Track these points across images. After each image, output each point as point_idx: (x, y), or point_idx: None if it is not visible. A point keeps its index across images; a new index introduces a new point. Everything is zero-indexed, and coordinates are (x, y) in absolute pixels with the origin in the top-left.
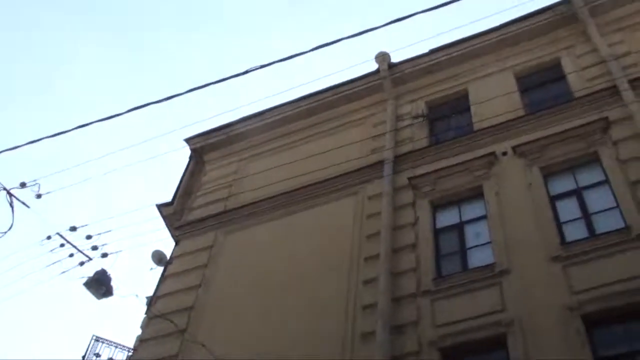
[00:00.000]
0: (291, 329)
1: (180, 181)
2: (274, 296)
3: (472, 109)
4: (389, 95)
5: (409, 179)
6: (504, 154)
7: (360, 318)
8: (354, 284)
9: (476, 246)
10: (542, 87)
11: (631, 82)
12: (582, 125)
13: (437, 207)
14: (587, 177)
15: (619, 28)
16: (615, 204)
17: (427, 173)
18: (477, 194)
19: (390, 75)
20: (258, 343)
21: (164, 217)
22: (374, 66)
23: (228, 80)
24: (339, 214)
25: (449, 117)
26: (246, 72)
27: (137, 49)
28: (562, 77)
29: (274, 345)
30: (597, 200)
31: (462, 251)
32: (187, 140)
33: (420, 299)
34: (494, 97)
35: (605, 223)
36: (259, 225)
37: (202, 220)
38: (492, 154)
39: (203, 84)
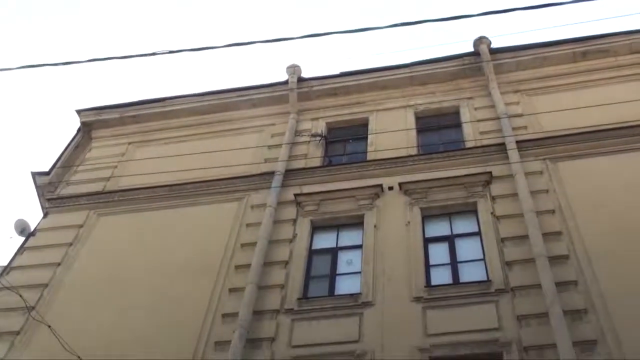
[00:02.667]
0: (145, 325)
1: (63, 152)
2: (135, 288)
3: (369, 138)
4: (293, 108)
5: (295, 195)
6: (390, 188)
7: (218, 325)
8: (219, 290)
9: (346, 274)
10: (438, 131)
11: (519, 142)
12: (466, 175)
13: (316, 228)
14: (461, 225)
15: (518, 90)
16: (482, 257)
17: (314, 193)
18: (357, 223)
19: (298, 88)
20: (107, 334)
21: (37, 187)
22: (284, 77)
23: (136, 60)
24: (219, 217)
25: (345, 141)
26: (153, 54)
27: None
28: (458, 125)
29: (122, 339)
30: (467, 249)
31: (332, 276)
32: (79, 112)
33: (282, 316)
34: (392, 130)
35: (470, 273)
36: (136, 213)
37: (77, 197)
38: (379, 186)
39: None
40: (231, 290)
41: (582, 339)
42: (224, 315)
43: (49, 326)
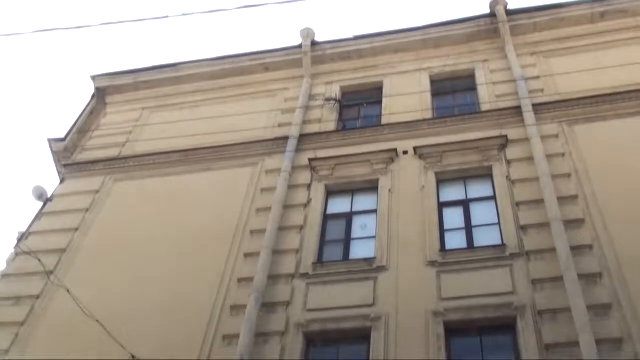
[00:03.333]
0: (161, 289)
1: (78, 118)
2: (151, 254)
3: (384, 102)
4: (306, 72)
5: (310, 160)
6: (405, 152)
7: (234, 290)
8: (234, 255)
9: (361, 238)
10: (453, 94)
11: (535, 106)
12: (482, 139)
13: (331, 192)
14: (476, 189)
15: (534, 52)
16: (497, 221)
17: (328, 157)
18: (372, 187)
19: (312, 52)
20: (124, 298)
21: (54, 153)
22: (297, 41)
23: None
24: (234, 182)
25: (360, 106)
26: (166, 17)
27: None
28: (473, 88)
29: (139, 303)
30: (482, 214)
31: (347, 241)
32: (93, 78)
33: (297, 281)
34: (407, 94)
35: (484, 237)
36: (151, 178)
37: (93, 162)
38: (394, 150)
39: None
40: (246, 255)
41: (597, 302)
42: (240, 280)
43: (68, 290)
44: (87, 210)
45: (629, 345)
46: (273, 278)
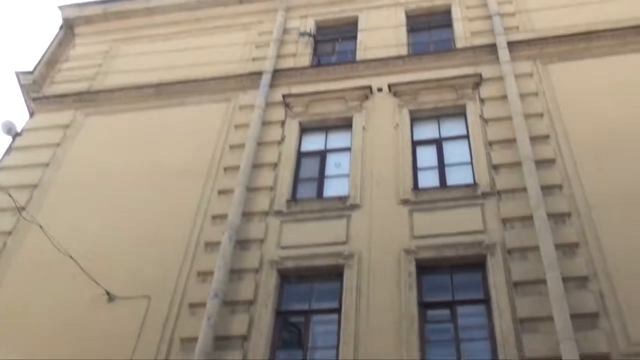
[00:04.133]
0: (135, 226)
1: (46, 50)
2: (124, 189)
3: (359, 37)
4: (281, 5)
5: (284, 96)
6: (380, 89)
7: (208, 227)
8: (208, 191)
9: (334, 176)
10: (429, 30)
11: (510, 43)
12: (456, 77)
13: (305, 129)
14: (450, 128)
15: None
16: (469, 160)
17: (302, 94)
18: (345, 125)
19: None
20: (97, 235)
21: (22, 86)
22: None
23: None
24: (207, 118)
25: (334, 41)
26: None
27: None
28: (449, 25)
29: (112, 239)
30: (454, 152)
31: (320, 179)
32: (61, 8)
33: (271, 218)
34: (382, 28)
35: (457, 176)
36: (123, 113)
37: (63, 96)
38: (369, 87)
39: None
40: (220, 192)
41: (565, 242)
42: (214, 217)
43: (40, 226)
44: (58, 145)
45: (594, 283)
46: (247, 215)
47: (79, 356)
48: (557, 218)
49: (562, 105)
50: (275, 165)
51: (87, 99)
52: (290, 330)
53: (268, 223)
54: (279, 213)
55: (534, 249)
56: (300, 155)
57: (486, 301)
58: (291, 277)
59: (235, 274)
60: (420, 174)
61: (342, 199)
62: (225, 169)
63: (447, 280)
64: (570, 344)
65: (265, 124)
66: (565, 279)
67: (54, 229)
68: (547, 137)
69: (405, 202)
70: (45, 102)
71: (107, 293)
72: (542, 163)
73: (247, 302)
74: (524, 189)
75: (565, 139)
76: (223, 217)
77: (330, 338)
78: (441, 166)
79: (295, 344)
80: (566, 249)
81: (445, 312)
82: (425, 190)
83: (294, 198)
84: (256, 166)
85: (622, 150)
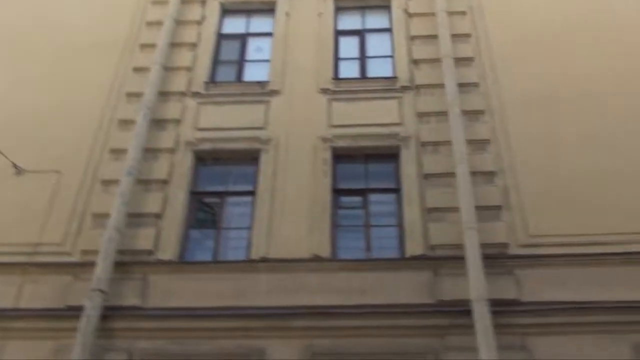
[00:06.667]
0: (46, 98)
1: None
2: (35, 62)
3: None
4: None
5: None
6: None
7: (123, 104)
8: (123, 68)
9: (255, 61)
10: None
11: None
12: None
13: (226, 11)
14: (374, 20)
15: None
16: (391, 53)
17: None
18: (268, 9)
19: None
20: (5, 106)
21: None
22: None
23: None
24: None
25: None
26: None
27: None
28: None
29: (23, 112)
30: (376, 45)
31: (240, 62)
32: None
33: (188, 99)
34: None
35: (377, 69)
36: None
37: None
38: None
39: None
40: (136, 69)
41: (476, 137)
42: (129, 95)
43: None
44: None
45: (500, 178)
46: (163, 95)
47: None
48: (471, 115)
49: (485, 5)
50: (194, 46)
51: None
52: (205, 210)
53: (185, 104)
54: (196, 94)
55: (447, 143)
56: (221, 37)
57: (397, 190)
58: (207, 159)
59: (150, 153)
60: (341, 64)
61: (261, 84)
62: (142, 46)
63: (362, 169)
64: (473, 233)
65: (184, 2)
66: (473, 173)
67: None
68: (468, 35)
69: (324, 91)
70: None
71: (15, 166)
72: (461, 60)
73: (162, 181)
74: (442, 85)
75: (486, 38)
76: (138, 95)
77: (244, 220)
78: (362, 58)
79: (209, 223)
80: (477, 144)
81: (357, 199)
82: (345, 80)
83: (212, 80)
84: (174, 45)
85: (541, 53)
